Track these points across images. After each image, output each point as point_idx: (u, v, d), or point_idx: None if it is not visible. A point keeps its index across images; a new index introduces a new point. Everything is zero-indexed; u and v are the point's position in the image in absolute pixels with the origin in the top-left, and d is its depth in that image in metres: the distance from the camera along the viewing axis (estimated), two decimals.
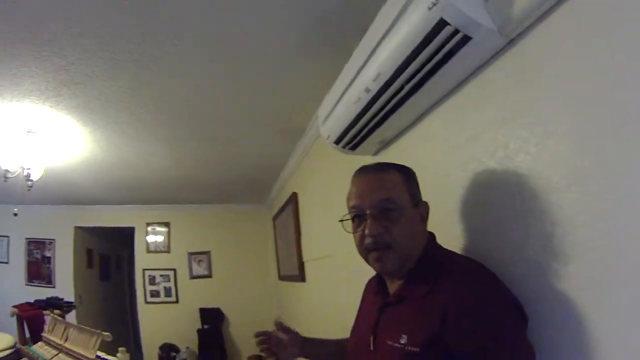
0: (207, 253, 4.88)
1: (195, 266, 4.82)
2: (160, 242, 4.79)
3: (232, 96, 2.11)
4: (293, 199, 3.32)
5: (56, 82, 1.85)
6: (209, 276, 4.84)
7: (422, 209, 0.92)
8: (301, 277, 3.21)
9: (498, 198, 0.95)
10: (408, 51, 0.93)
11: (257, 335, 1.10)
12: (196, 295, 4.70)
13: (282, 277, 4.17)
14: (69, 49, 1.60)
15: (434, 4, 0.77)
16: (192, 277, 4.79)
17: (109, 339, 1.53)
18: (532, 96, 0.84)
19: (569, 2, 0.74)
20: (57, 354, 1.66)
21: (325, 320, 2.65)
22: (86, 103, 2.08)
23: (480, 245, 1.00)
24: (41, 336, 1.83)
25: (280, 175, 3.75)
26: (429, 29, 0.83)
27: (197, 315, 4.58)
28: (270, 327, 1.14)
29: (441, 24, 0.80)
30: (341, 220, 0.94)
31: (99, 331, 1.56)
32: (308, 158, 2.88)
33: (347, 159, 1.92)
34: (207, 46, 1.63)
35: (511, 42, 0.87)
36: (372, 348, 0.88)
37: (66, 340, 1.65)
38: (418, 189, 0.95)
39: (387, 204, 0.85)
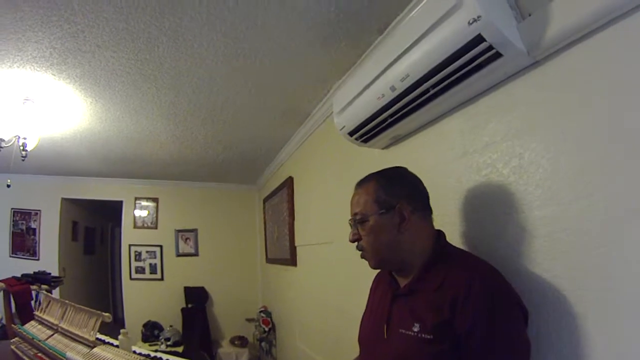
0: (194, 231, 4.85)
1: (181, 244, 4.81)
2: (147, 218, 4.74)
3: (240, 77, 2.10)
4: (289, 183, 3.35)
5: (63, 49, 1.78)
6: (196, 254, 4.82)
7: (398, 211, 0.95)
8: (292, 261, 3.27)
9: (509, 204, 1.03)
10: (440, 59, 0.98)
11: None
12: (181, 274, 4.68)
13: (269, 260, 4.21)
14: (81, 16, 1.54)
15: (475, 20, 0.82)
16: (179, 255, 4.76)
17: (109, 320, 1.43)
18: (550, 114, 0.92)
19: (592, 38, 0.82)
20: (52, 335, 1.56)
21: (316, 304, 2.74)
22: (91, 73, 2.02)
23: (489, 247, 1.08)
24: (29, 312, 1.73)
25: (276, 157, 3.75)
26: (465, 41, 0.89)
27: (181, 293, 4.59)
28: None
29: (478, 39, 0.86)
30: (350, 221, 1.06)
31: (98, 312, 1.46)
32: (308, 143, 2.90)
33: (352, 150, 1.97)
34: (225, 26, 1.62)
35: (536, 63, 0.94)
36: (385, 337, 0.94)
37: (61, 320, 1.54)
38: (397, 193, 0.97)
39: (356, 217, 1.01)
